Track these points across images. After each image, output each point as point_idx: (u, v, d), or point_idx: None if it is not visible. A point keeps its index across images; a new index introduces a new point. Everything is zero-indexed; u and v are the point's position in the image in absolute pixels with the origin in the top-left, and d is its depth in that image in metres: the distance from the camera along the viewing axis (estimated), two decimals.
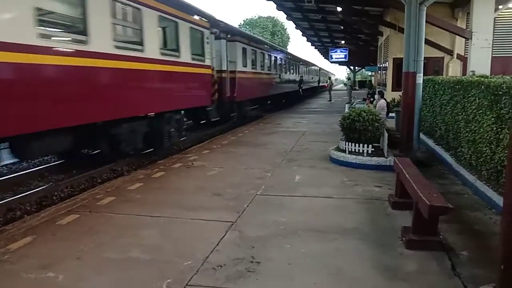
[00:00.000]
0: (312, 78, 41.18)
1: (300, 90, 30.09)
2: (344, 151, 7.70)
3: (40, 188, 6.62)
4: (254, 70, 17.36)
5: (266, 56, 19.83)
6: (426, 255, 3.74)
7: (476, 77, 7.02)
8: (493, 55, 12.43)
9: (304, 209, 5.12)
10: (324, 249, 3.92)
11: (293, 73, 28.33)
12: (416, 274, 3.43)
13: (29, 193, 6.31)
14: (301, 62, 32.47)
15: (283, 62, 24.47)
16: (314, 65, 44.78)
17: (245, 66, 15.78)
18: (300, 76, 30.78)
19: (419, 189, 3.94)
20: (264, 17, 69.30)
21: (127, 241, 4.12)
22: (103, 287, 3.23)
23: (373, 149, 7.47)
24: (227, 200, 5.46)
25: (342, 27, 24.95)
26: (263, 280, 3.31)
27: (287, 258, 3.71)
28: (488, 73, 10.71)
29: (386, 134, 7.58)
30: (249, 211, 5.02)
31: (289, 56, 27.85)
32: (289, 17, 23.78)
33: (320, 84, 49.95)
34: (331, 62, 45.79)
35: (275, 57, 22.00)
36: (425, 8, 7.62)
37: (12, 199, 5.99)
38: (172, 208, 5.14)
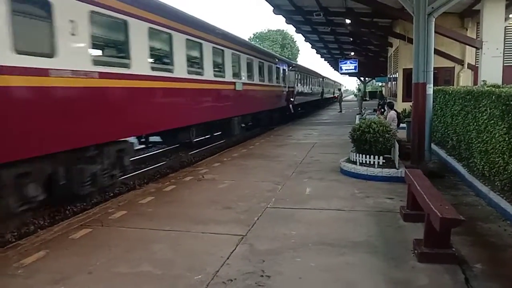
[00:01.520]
0: (311, 89, 32.38)
1: (291, 106, 22.32)
2: (354, 162, 7.66)
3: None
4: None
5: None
6: (438, 268, 3.69)
7: (487, 86, 6.97)
8: (505, 64, 12.36)
9: (314, 222, 5.10)
10: (335, 262, 3.89)
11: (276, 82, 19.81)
12: None
13: (42, 208, 6.38)
14: (291, 68, 23.38)
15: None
16: (314, 72, 34.97)
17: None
18: (289, 87, 22.24)
19: (431, 201, 3.90)
20: (273, 30, 69.83)
21: (138, 255, 4.15)
22: None
23: (384, 161, 7.42)
24: (238, 213, 5.47)
25: (351, 39, 25.03)
26: None
27: (297, 271, 3.69)
28: (499, 82, 10.62)
29: (397, 145, 7.54)
30: (260, 224, 5.01)
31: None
32: (298, 30, 23.94)
33: (325, 96, 42.13)
34: (341, 74, 44.81)
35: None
36: (434, 19, 7.63)
37: (25, 214, 6.05)
38: (183, 221, 5.16)
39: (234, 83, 12.90)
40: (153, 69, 8.01)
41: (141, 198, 6.31)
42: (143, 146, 10.94)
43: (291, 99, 22.40)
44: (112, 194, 7.32)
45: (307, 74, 30.04)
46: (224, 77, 12.09)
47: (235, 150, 11.47)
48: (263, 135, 15.30)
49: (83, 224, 5.14)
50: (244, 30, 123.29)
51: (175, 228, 4.90)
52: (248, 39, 65.43)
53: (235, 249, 4.23)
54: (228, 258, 3.99)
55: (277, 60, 20.35)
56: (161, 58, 8.85)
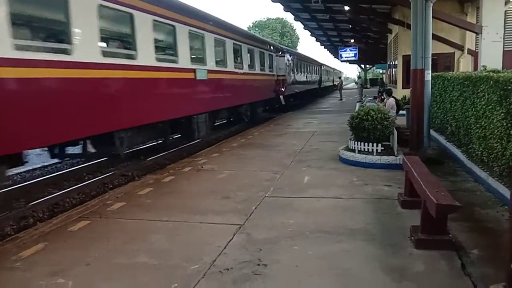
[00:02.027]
0: (307, 78, 29.44)
1: (282, 97, 19.68)
2: (353, 150, 7.65)
3: (52, 195, 6.72)
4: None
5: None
6: (435, 255, 3.69)
7: (486, 72, 6.91)
8: (505, 49, 12.24)
9: (312, 210, 5.10)
10: (332, 250, 3.90)
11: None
12: (425, 274, 3.39)
13: (42, 201, 6.42)
14: (281, 53, 20.66)
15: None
16: (310, 59, 32.31)
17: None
18: (279, 76, 19.64)
19: (427, 188, 3.89)
20: (273, 19, 69.36)
21: (136, 246, 4.16)
22: None
23: (382, 148, 7.40)
24: (236, 203, 5.47)
25: (350, 26, 24.84)
26: (270, 283, 3.31)
27: (294, 260, 3.70)
28: (500, 67, 10.53)
29: (395, 132, 7.51)
30: (257, 214, 5.02)
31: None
32: (297, 18, 23.76)
33: (324, 84, 39.58)
34: (342, 61, 44.45)
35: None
36: (431, 4, 7.54)
37: (25, 207, 6.09)
38: (181, 212, 5.17)
39: (193, 71, 10.09)
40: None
41: (139, 190, 6.32)
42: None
43: (282, 89, 19.72)
44: (111, 186, 7.33)
45: (302, 61, 27.34)
46: (176, 63, 9.20)
47: (234, 140, 11.46)
48: (263, 125, 15.27)
49: (82, 216, 5.15)
50: (243, 19, 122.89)
51: (173, 219, 4.91)
52: (247, 28, 65.04)
53: (232, 238, 4.24)
54: (225, 248, 4.00)
55: (262, 44, 17.19)
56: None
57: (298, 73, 25.40)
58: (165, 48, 9.41)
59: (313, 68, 33.20)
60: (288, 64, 21.62)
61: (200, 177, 7.07)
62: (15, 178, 8.05)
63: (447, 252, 3.73)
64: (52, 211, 6.17)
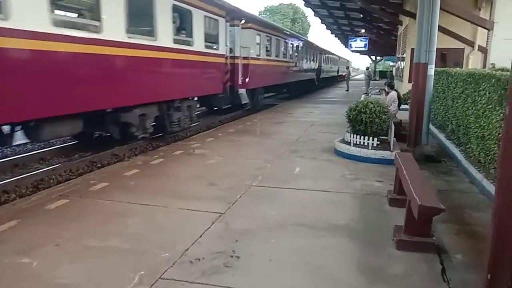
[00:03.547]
0: (297, 64, 23.17)
1: (245, 91, 13.92)
2: (349, 143, 7.46)
3: (38, 171, 6.63)
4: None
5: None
6: (416, 257, 3.54)
7: (492, 70, 6.66)
8: None
9: (297, 202, 4.96)
10: (311, 245, 3.76)
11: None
12: (402, 277, 3.24)
13: (26, 176, 6.32)
14: (243, 23, 13.92)
15: None
16: (304, 41, 25.68)
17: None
18: (235, 58, 13.48)
19: (413, 187, 3.72)
20: (285, 4, 68.39)
21: (110, 229, 4.05)
22: (74, 275, 3.15)
23: (378, 142, 7.21)
24: (221, 190, 5.34)
25: (361, 15, 24.29)
26: (239, 276, 3.18)
27: (269, 253, 3.57)
28: (509, 66, 10.20)
29: (393, 127, 7.30)
30: (241, 202, 4.89)
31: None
32: (307, 4, 23.27)
33: (324, 75, 33.68)
34: (352, 51, 43.77)
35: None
36: None
37: (8, 181, 6.00)
38: (163, 196, 5.05)
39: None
40: None
41: (126, 170, 6.20)
42: None
43: (244, 78, 13.64)
44: (99, 165, 7.22)
45: (286, 40, 20.00)
46: None
47: (231, 125, 11.29)
48: (263, 112, 15.07)
49: (62, 194, 5.04)
50: (255, 3, 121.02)
51: (154, 203, 4.78)
52: (259, 13, 64.24)
53: (210, 227, 4.11)
54: (200, 236, 3.87)
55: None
56: None
57: (278, 56, 18.77)
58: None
59: (308, 53, 26.55)
60: (259, 42, 15.53)
61: (190, 161, 6.94)
62: (5, 151, 7.96)
63: (429, 255, 3.58)
64: (36, 187, 6.07)
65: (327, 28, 37.57)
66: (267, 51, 16.85)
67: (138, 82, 7.83)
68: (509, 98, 2.32)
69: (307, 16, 69.63)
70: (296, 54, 22.82)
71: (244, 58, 13.81)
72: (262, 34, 15.99)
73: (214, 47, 11.48)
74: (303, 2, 22.91)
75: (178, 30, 9.53)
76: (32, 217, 4.30)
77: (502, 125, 4.87)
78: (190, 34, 9.88)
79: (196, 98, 11.23)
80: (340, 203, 4.96)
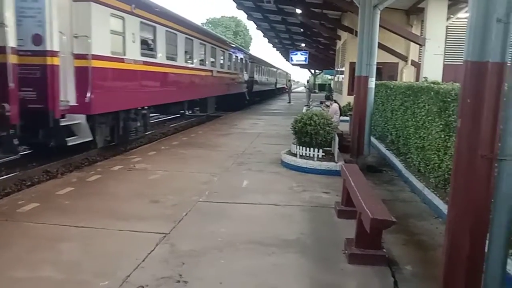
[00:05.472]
0: (239, 74, 21.01)
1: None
2: (295, 155, 7.45)
3: None
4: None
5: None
6: (368, 271, 3.50)
7: (427, 83, 6.99)
8: (445, 63, 12.71)
9: (246, 218, 4.79)
10: (262, 264, 3.60)
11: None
12: None
13: None
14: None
15: None
16: (239, 49, 22.73)
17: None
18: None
19: (363, 200, 3.70)
20: (227, 17, 68.84)
21: (41, 257, 3.62)
22: None
23: (323, 154, 7.27)
24: (165, 208, 5.04)
25: (302, 30, 24.97)
26: None
27: (219, 276, 3.35)
28: (440, 79, 10.87)
29: (337, 139, 7.41)
30: (187, 221, 4.62)
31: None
32: (250, 17, 23.48)
33: (256, 89, 27.86)
34: (292, 65, 44.69)
35: None
36: (379, 11, 7.52)
37: None
38: (101, 217, 4.65)
39: None
40: None
41: (59, 189, 5.68)
42: None
43: (81, 92, 7.71)
44: (29, 183, 6.58)
45: (188, 36, 13.32)
46: None
47: (175, 138, 10.94)
48: (208, 123, 14.84)
49: None
50: (198, 15, 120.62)
51: (91, 225, 4.38)
52: (201, 24, 64.03)
53: (154, 249, 3.81)
54: (143, 261, 3.56)
55: None
56: None
57: (180, 61, 12.74)
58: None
59: (235, 60, 21.27)
60: (123, 31, 9.01)
61: (130, 177, 6.53)
62: None
63: (380, 268, 3.56)
64: None
65: (269, 42, 38.21)
66: (147, 49, 10.34)
67: None
68: (462, 111, 2.32)
69: (249, 30, 70.59)
70: (212, 59, 16.78)
71: (80, 56, 7.70)
72: (132, 19, 9.29)
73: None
74: (246, 15, 23.08)
75: None
76: None
77: (442, 136, 5.07)
78: None
79: None
80: (289, 216, 4.87)
